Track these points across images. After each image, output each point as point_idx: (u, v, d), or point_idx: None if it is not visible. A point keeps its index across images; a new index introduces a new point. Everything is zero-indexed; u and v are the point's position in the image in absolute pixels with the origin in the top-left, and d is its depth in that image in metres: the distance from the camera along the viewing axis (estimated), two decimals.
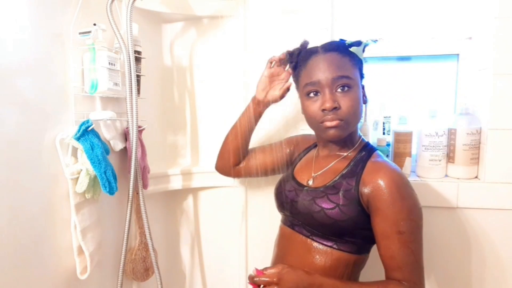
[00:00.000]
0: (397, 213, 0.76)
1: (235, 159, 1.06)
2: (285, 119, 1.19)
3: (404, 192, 0.78)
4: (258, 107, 1.00)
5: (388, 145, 1.18)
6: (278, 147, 1.07)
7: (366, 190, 0.79)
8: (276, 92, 0.97)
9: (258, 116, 1.02)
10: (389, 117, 1.21)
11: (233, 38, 1.21)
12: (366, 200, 0.79)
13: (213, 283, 1.37)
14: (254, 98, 1.01)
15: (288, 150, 1.04)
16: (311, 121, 0.86)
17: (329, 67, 0.82)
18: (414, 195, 0.80)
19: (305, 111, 0.87)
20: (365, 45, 0.88)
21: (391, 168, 0.81)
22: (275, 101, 0.99)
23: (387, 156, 1.17)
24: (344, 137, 0.85)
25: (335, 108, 0.80)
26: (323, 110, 0.81)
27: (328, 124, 0.82)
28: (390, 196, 0.76)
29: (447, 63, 1.23)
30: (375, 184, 0.78)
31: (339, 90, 0.82)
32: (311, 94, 0.84)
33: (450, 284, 1.14)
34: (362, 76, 0.89)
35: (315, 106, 0.83)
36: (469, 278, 1.13)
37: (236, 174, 1.09)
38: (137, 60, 1.01)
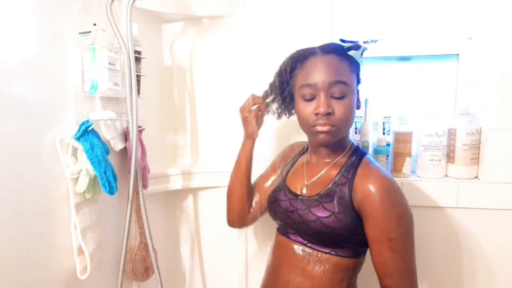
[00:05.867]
0: (387, 220, 0.76)
1: (248, 206, 1.02)
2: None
3: (393, 199, 0.78)
4: (251, 145, 1.00)
5: (388, 145, 1.18)
6: (275, 171, 1.04)
7: (357, 196, 0.80)
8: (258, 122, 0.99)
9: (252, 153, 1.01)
10: (389, 117, 1.20)
11: (233, 38, 1.22)
12: (358, 206, 0.79)
13: (213, 283, 1.37)
14: (247, 140, 1.00)
15: (279, 171, 1.02)
16: (303, 123, 0.85)
17: (327, 71, 0.81)
18: (404, 201, 0.79)
19: (298, 112, 0.86)
20: (364, 50, 0.87)
21: (381, 175, 0.80)
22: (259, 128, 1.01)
23: (387, 156, 1.17)
24: (333, 142, 0.85)
25: (328, 114, 0.80)
26: (316, 114, 0.81)
27: (320, 128, 0.81)
28: (380, 203, 0.76)
29: (447, 63, 1.23)
30: (365, 190, 0.78)
31: (334, 95, 0.81)
32: (306, 97, 0.83)
33: (450, 284, 1.14)
34: (358, 81, 0.88)
35: (308, 109, 0.82)
36: (468, 278, 1.13)
37: (252, 220, 1.04)
38: (137, 60, 1.01)
